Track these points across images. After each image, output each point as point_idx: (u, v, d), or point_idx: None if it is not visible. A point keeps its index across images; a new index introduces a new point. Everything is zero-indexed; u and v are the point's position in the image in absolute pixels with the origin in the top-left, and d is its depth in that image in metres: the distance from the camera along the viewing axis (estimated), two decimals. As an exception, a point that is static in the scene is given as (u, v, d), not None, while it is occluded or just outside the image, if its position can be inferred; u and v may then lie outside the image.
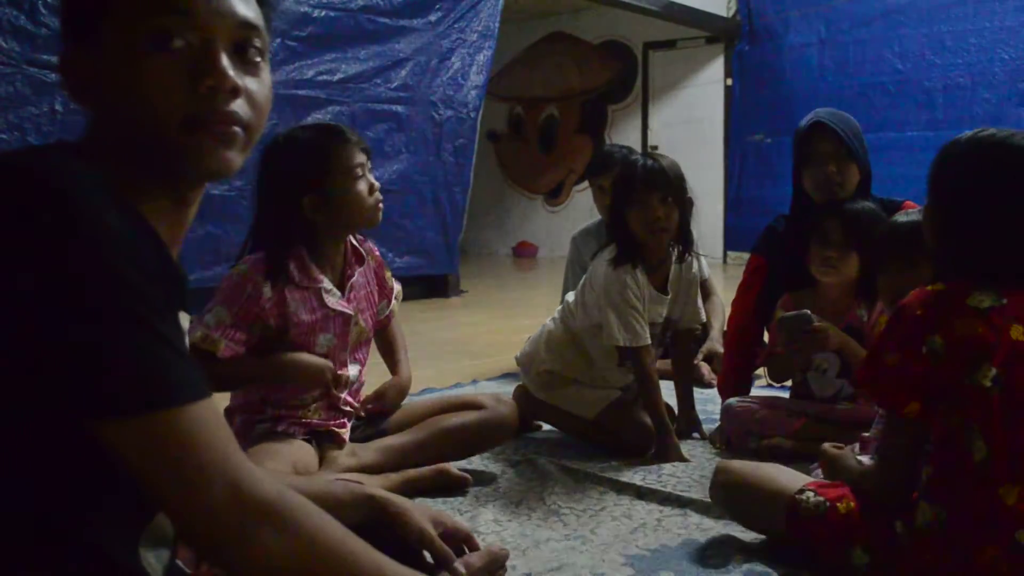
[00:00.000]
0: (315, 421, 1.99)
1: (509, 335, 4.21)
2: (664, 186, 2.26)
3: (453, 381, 3.28)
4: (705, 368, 3.11)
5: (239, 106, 0.86)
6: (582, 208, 9.13)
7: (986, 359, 1.31)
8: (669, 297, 2.40)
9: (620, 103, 9.52)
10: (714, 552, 1.66)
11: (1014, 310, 1.33)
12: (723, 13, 8.46)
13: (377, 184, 1.97)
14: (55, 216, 0.74)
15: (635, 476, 2.11)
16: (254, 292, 1.87)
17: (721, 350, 2.99)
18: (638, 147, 8.52)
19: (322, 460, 1.96)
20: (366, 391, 2.15)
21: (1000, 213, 1.37)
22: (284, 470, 1.78)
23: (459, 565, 1.24)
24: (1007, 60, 6.91)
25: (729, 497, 1.69)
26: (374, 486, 1.75)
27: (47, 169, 0.77)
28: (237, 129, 0.86)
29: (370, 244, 2.14)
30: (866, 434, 1.98)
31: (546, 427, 2.59)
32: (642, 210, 2.27)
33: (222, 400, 1.96)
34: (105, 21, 0.83)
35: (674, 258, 2.40)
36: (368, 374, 2.14)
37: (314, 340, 1.95)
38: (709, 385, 3.00)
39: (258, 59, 0.89)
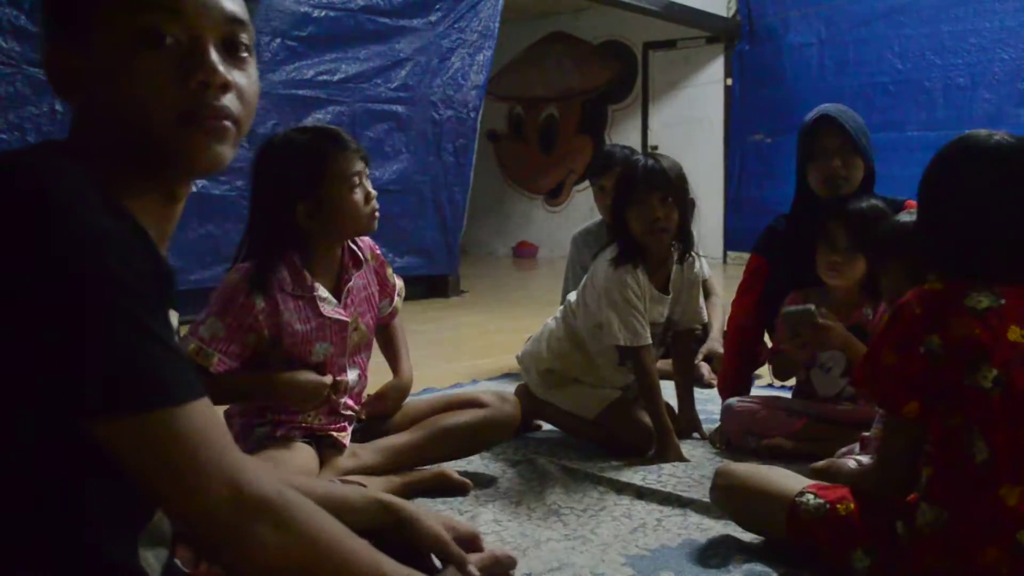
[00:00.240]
0: (315, 425, 1.97)
1: (509, 335, 4.21)
2: (664, 186, 2.26)
3: (453, 381, 3.28)
4: (705, 368, 3.11)
5: (230, 101, 0.86)
6: (582, 208, 9.12)
7: (984, 360, 1.31)
8: (670, 297, 2.40)
9: (620, 103, 9.51)
10: (714, 552, 1.66)
11: (1012, 311, 1.33)
12: (723, 13, 8.46)
13: (374, 193, 1.93)
14: (44, 217, 0.74)
15: (635, 476, 2.11)
16: (246, 303, 1.84)
17: (721, 350, 2.99)
18: (638, 147, 8.52)
19: (322, 463, 1.94)
20: (369, 390, 2.14)
21: (982, 212, 1.39)
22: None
23: (473, 568, 1.24)
24: (1007, 60, 6.91)
25: (730, 500, 1.69)
26: (376, 489, 1.75)
27: (34, 171, 0.77)
28: (228, 124, 0.86)
29: (370, 242, 2.11)
30: (866, 434, 1.98)
31: (546, 427, 2.59)
32: (642, 210, 2.28)
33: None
34: (91, 18, 0.82)
35: (675, 258, 2.39)
36: (370, 373, 2.13)
37: (309, 349, 1.92)
38: (709, 385, 3.01)
39: (245, 54, 0.89)
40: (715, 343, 3.15)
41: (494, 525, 1.81)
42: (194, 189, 3.95)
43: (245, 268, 1.88)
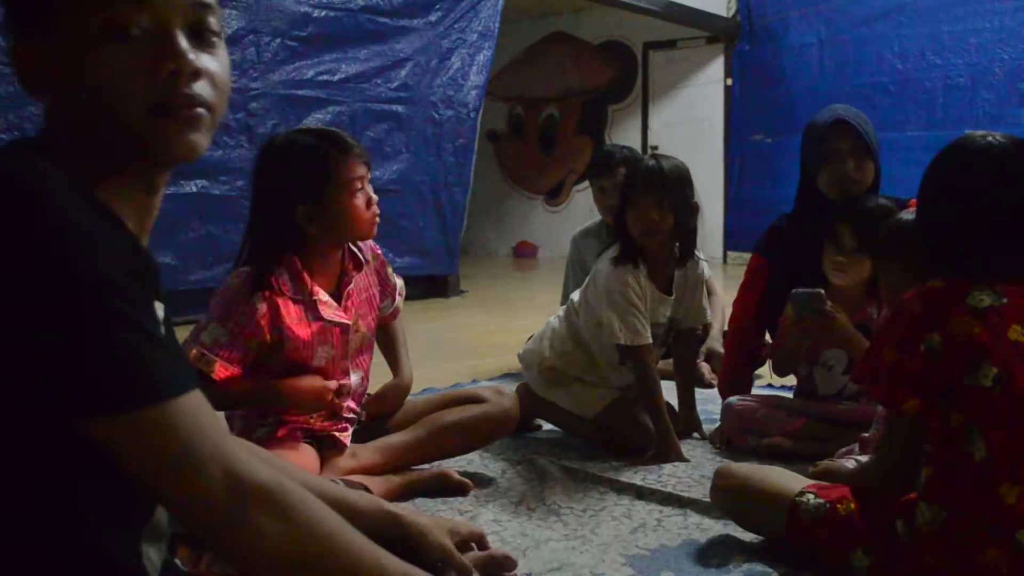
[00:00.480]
0: (316, 426, 1.97)
1: (509, 335, 4.21)
2: (660, 189, 2.26)
3: (453, 381, 3.28)
4: (705, 368, 3.11)
5: (201, 88, 0.85)
6: (582, 208, 9.12)
7: (985, 359, 1.31)
8: (673, 298, 2.40)
9: (620, 103, 9.51)
10: (714, 552, 1.66)
11: (1013, 310, 1.34)
12: (723, 13, 8.46)
13: (375, 198, 1.92)
14: (26, 220, 0.74)
15: (635, 476, 2.11)
16: (248, 307, 1.83)
17: (721, 350, 2.99)
18: (638, 147, 8.52)
19: (323, 463, 1.94)
20: (369, 391, 2.14)
21: (976, 212, 1.40)
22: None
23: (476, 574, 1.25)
24: (1007, 60, 6.91)
25: (730, 500, 1.69)
26: (378, 492, 1.75)
27: (11, 172, 0.77)
28: (202, 111, 0.86)
29: (371, 242, 2.10)
30: (866, 435, 1.98)
31: (546, 427, 2.59)
32: (638, 212, 2.28)
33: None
34: (54, 12, 0.81)
35: (677, 260, 2.39)
36: (371, 374, 2.13)
37: (311, 353, 1.91)
38: (709, 385, 3.01)
39: (214, 38, 0.88)
40: (715, 343, 3.15)
41: (494, 525, 1.81)
42: (194, 189, 3.97)
43: (246, 272, 1.87)
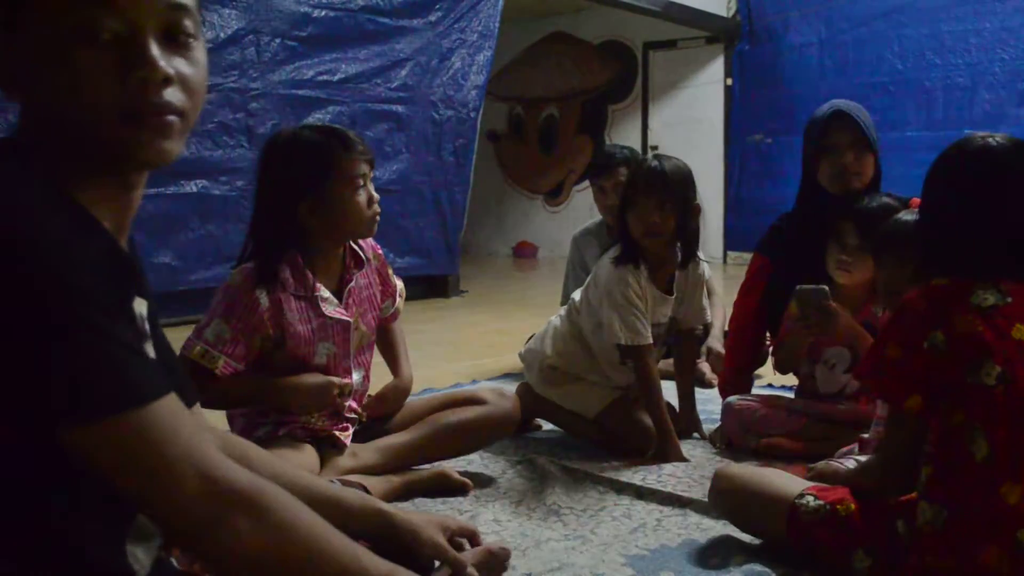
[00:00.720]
0: (317, 426, 1.97)
1: (509, 335, 4.21)
2: (661, 190, 2.26)
3: (453, 381, 3.28)
4: (706, 368, 3.11)
5: (172, 95, 0.84)
6: (582, 208, 9.12)
7: (988, 358, 1.31)
8: (673, 298, 2.40)
9: (620, 103, 9.51)
10: (714, 552, 1.66)
11: (1018, 309, 1.34)
12: (723, 13, 8.46)
13: (377, 196, 1.93)
14: None
15: (635, 476, 2.11)
16: (251, 303, 1.84)
17: (722, 350, 2.99)
18: (638, 147, 8.52)
19: (323, 463, 1.94)
20: (369, 392, 2.14)
21: (973, 212, 1.41)
22: None
23: (472, 571, 1.24)
24: (1007, 60, 6.91)
25: (729, 503, 1.69)
26: (378, 492, 1.76)
27: None
28: (172, 118, 0.84)
29: (372, 241, 2.10)
30: (866, 435, 1.98)
31: (546, 427, 2.59)
32: (639, 212, 2.28)
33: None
34: (25, 13, 0.80)
35: (678, 261, 2.39)
36: (372, 374, 2.13)
37: (312, 350, 1.92)
38: (709, 385, 3.01)
39: (190, 39, 0.87)
40: (716, 342, 3.15)
41: (494, 525, 1.81)
42: (194, 189, 3.97)
43: (248, 269, 1.88)
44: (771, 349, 2.42)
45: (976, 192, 1.41)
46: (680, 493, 1.96)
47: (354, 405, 2.05)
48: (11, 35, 0.81)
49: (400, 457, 2.02)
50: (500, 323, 4.93)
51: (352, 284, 2.00)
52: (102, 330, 0.76)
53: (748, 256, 2.69)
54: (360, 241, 2.06)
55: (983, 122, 6.81)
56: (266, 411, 1.94)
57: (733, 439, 2.37)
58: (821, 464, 1.80)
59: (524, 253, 9.97)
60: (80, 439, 0.75)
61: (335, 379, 1.92)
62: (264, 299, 1.85)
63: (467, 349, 4.12)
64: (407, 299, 2.32)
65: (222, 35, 4.63)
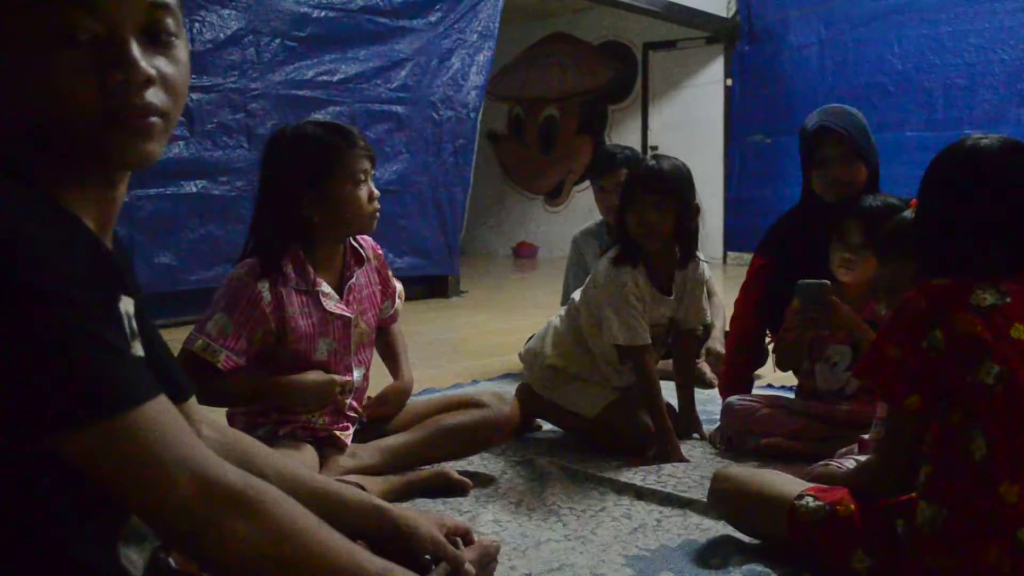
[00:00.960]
0: (318, 426, 1.98)
1: (509, 335, 4.21)
2: (659, 190, 2.26)
3: (453, 382, 3.28)
4: (706, 368, 3.11)
5: (153, 95, 0.83)
6: (582, 208, 9.12)
7: (987, 357, 1.32)
8: (672, 298, 2.40)
9: (620, 103, 9.51)
10: (714, 552, 1.66)
11: (1017, 309, 1.34)
12: (723, 13, 8.45)
13: (377, 193, 1.95)
14: None
15: (635, 476, 2.11)
16: (253, 296, 1.85)
17: (722, 350, 2.99)
18: (638, 147, 8.52)
19: (323, 462, 1.95)
20: (369, 393, 2.15)
21: (965, 214, 1.42)
22: None
23: (470, 567, 1.24)
24: (1007, 60, 6.91)
25: (729, 505, 1.69)
26: (377, 492, 1.76)
27: None
28: (155, 120, 0.83)
29: (372, 242, 2.12)
30: (865, 435, 1.98)
31: (546, 427, 2.59)
32: (637, 212, 2.28)
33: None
34: (8, 14, 0.79)
35: (677, 261, 2.38)
36: (372, 375, 2.13)
37: (313, 346, 1.93)
38: (710, 385, 3.01)
39: (172, 38, 0.85)
40: (716, 343, 3.15)
41: (494, 525, 1.81)
42: (194, 189, 3.97)
43: (251, 263, 1.89)
44: (772, 347, 2.42)
45: (969, 193, 1.42)
46: (680, 493, 1.96)
47: (354, 404, 2.05)
48: None
49: (400, 458, 2.03)
50: (500, 323, 4.93)
51: (352, 281, 2.02)
52: (88, 334, 0.75)
53: (748, 256, 2.69)
54: (360, 241, 2.08)
55: (983, 122, 6.81)
56: (267, 410, 1.95)
57: (733, 439, 2.37)
58: (819, 466, 1.81)
59: (524, 253, 9.97)
60: (71, 444, 0.75)
61: (336, 377, 1.92)
62: (266, 292, 1.86)
63: (467, 349, 4.12)
64: (407, 299, 2.33)
65: (222, 35, 4.63)
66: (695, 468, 2.19)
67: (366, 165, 1.93)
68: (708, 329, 3.14)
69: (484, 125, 6.85)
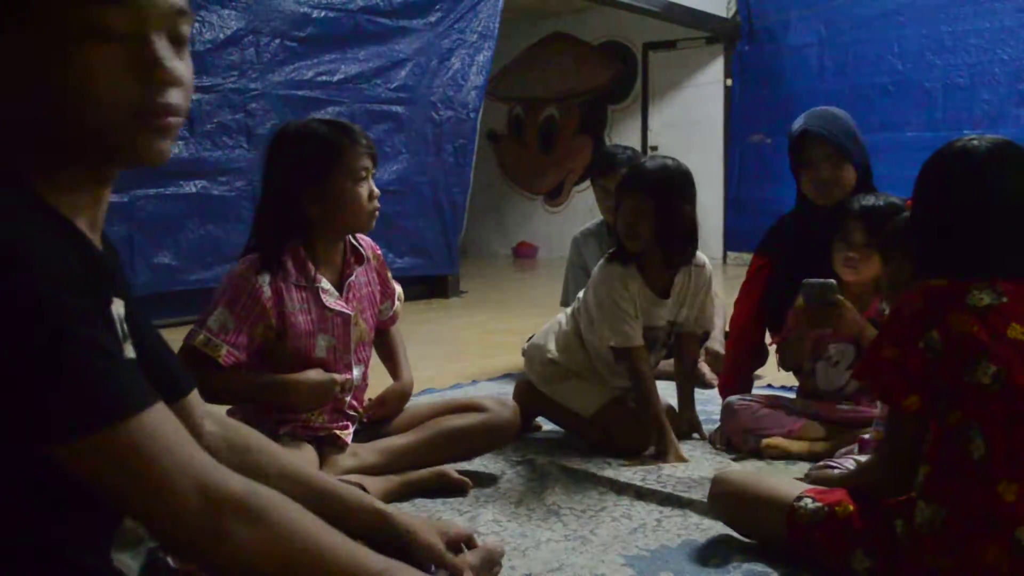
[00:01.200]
0: (318, 425, 1.98)
1: (509, 335, 4.21)
2: (640, 191, 2.25)
3: (453, 382, 3.28)
4: (706, 368, 3.11)
5: (176, 96, 0.85)
6: (582, 208, 9.12)
7: (984, 357, 1.32)
8: (670, 301, 2.38)
9: (620, 103, 9.51)
10: (714, 552, 1.66)
11: (1013, 309, 1.34)
12: (723, 14, 8.46)
13: (377, 192, 1.96)
14: None
15: (635, 476, 2.10)
16: (254, 291, 1.87)
17: (722, 350, 2.99)
18: (638, 148, 8.52)
19: (323, 461, 1.95)
20: (369, 393, 2.15)
21: (963, 215, 1.42)
22: None
23: (469, 574, 1.24)
24: (1007, 60, 6.91)
25: (728, 508, 1.69)
26: (377, 491, 1.76)
27: None
28: (176, 120, 0.86)
29: (371, 242, 2.13)
30: (865, 435, 1.98)
31: (546, 427, 2.59)
32: (621, 213, 2.28)
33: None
34: (29, 7, 0.79)
35: (675, 263, 2.37)
36: (371, 375, 2.13)
37: (313, 343, 1.94)
38: (709, 385, 3.00)
39: (183, 47, 0.88)
40: (715, 343, 3.15)
41: (494, 525, 1.81)
42: (194, 189, 3.98)
43: (252, 258, 1.91)
44: (775, 347, 2.42)
45: (959, 195, 1.43)
46: (680, 493, 1.96)
47: (354, 402, 2.06)
48: (4, 29, 0.79)
49: (399, 459, 2.03)
50: (500, 323, 4.92)
51: (352, 279, 2.03)
52: (83, 340, 0.75)
53: (748, 256, 2.69)
54: (360, 240, 2.08)
55: (983, 122, 6.82)
56: (267, 410, 1.95)
57: (733, 439, 2.37)
58: (819, 466, 1.81)
59: (524, 253, 9.97)
60: (69, 456, 0.74)
61: (337, 376, 1.93)
62: (267, 288, 1.87)
63: (467, 349, 4.12)
64: (407, 299, 2.33)
65: (222, 35, 4.63)
66: (695, 468, 2.18)
67: (367, 163, 1.94)
68: (708, 331, 3.14)
69: (484, 125, 6.85)
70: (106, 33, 0.80)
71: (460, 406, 2.17)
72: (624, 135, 9.27)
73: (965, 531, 1.30)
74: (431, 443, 2.06)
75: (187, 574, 1.00)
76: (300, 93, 5.02)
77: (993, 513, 1.29)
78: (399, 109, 5.58)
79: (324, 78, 5.15)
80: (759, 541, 1.66)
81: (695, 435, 2.48)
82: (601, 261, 2.38)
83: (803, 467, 2.07)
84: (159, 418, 0.79)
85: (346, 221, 1.96)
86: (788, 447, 2.26)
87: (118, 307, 0.85)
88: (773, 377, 3.08)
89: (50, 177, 0.83)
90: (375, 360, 2.15)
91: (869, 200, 2.23)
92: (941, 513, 1.33)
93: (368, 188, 1.94)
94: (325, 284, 1.96)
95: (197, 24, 4.48)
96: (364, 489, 1.46)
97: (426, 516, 1.85)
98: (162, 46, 0.83)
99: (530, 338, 2.68)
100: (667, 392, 2.51)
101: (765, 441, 2.29)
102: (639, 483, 2.04)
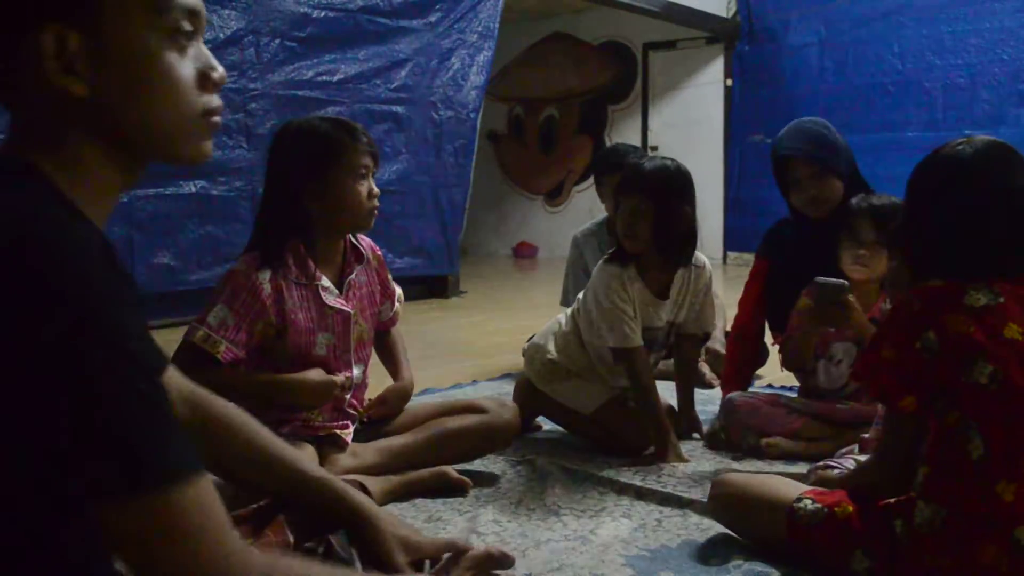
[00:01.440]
0: (318, 424, 1.98)
1: (509, 335, 4.21)
2: (637, 191, 2.24)
3: (452, 382, 3.28)
4: (706, 368, 3.11)
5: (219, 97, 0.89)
6: (582, 208, 9.12)
7: (981, 357, 1.32)
8: (670, 302, 2.38)
9: (620, 103, 9.52)
10: (714, 552, 1.66)
11: (1010, 309, 1.35)
12: (723, 14, 8.46)
13: (377, 191, 1.97)
14: (44, 292, 0.68)
15: (635, 476, 2.10)
16: (254, 288, 1.87)
17: (722, 351, 2.99)
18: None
19: (323, 461, 1.95)
20: (369, 393, 2.15)
21: (956, 217, 1.43)
22: None
23: None
24: (1007, 60, 6.91)
25: (728, 511, 1.69)
26: (377, 491, 1.76)
27: (37, 237, 0.70)
28: (220, 120, 0.89)
29: (371, 242, 2.13)
30: (866, 435, 1.98)
31: (546, 427, 2.59)
32: (620, 213, 2.27)
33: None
34: (107, 10, 0.79)
35: (674, 264, 2.36)
36: (370, 375, 2.13)
37: (312, 340, 1.94)
38: (710, 385, 3.01)
39: None
40: (716, 343, 3.15)
41: (494, 525, 1.81)
42: (193, 189, 3.98)
43: (252, 256, 1.91)
44: (778, 347, 2.41)
45: (951, 198, 1.43)
46: (680, 493, 1.96)
47: (354, 401, 2.06)
48: (74, 28, 0.77)
49: (400, 459, 2.03)
50: (500, 323, 4.92)
51: (352, 277, 2.03)
52: (147, 393, 0.71)
53: (748, 256, 2.70)
54: (360, 240, 2.09)
55: (983, 122, 6.81)
56: (266, 408, 1.95)
57: (732, 435, 2.36)
58: (819, 466, 1.81)
59: (524, 253, 9.97)
60: (110, 515, 0.70)
61: (337, 377, 1.93)
62: (267, 284, 1.88)
63: (467, 349, 4.12)
64: (407, 299, 2.33)
65: (222, 35, 4.63)
66: (695, 468, 2.18)
67: (368, 161, 1.95)
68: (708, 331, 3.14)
69: (484, 125, 6.85)
70: (184, 39, 0.83)
71: (460, 407, 2.17)
72: (624, 135, 9.27)
73: (964, 531, 1.31)
74: (431, 443, 2.06)
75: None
76: (300, 93, 5.02)
77: (992, 513, 1.29)
78: (399, 109, 5.58)
79: (324, 78, 5.15)
80: (760, 544, 1.66)
81: (695, 435, 2.48)
82: (600, 262, 2.38)
83: (803, 466, 2.07)
84: (202, 491, 0.75)
85: (345, 218, 1.96)
86: (788, 446, 2.26)
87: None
88: (774, 377, 3.08)
89: (75, 179, 0.80)
90: (375, 360, 2.15)
91: (874, 198, 2.23)
92: (940, 513, 1.33)
93: (368, 186, 1.95)
94: (325, 282, 1.96)
95: (197, 24, 4.48)
96: (364, 489, 1.46)
97: (425, 517, 1.86)
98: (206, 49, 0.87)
99: (530, 338, 2.68)
100: (667, 392, 2.51)
101: (765, 440, 2.29)
102: (639, 483, 2.04)
